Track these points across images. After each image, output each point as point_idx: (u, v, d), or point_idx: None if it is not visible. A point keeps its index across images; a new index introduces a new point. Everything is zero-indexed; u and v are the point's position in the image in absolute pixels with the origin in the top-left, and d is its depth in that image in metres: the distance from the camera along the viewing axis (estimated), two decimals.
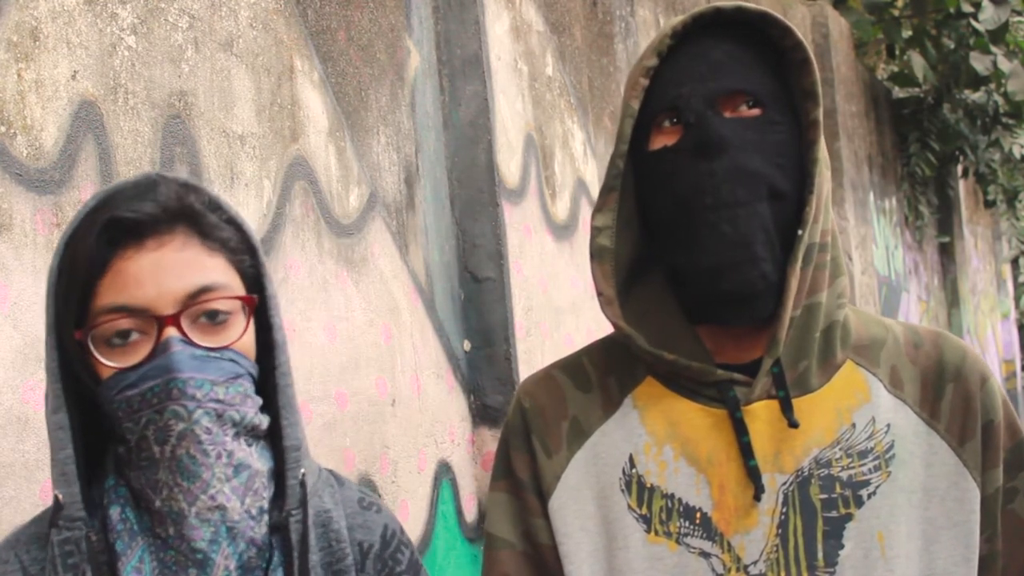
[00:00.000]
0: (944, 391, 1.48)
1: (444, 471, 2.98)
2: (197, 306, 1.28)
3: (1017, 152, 9.35)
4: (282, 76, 2.44)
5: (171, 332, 1.26)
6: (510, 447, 1.57)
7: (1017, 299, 14.27)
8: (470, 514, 3.09)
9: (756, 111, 1.44)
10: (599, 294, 1.50)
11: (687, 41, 1.47)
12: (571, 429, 1.53)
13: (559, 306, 3.62)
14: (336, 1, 2.69)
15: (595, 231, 1.50)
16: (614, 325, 1.50)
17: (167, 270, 1.28)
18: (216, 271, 1.31)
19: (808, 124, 1.46)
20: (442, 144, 3.17)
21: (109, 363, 1.27)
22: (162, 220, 1.29)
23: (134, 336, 1.27)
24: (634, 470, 1.48)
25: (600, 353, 1.58)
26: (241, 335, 1.31)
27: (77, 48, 1.90)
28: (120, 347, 1.27)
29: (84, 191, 1.89)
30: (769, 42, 1.48)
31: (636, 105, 1.46)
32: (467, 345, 3.19)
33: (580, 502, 1.50)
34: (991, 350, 12.15)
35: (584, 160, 3.95)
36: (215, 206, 1.35)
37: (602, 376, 1.55)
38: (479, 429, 3.18)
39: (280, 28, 2.45)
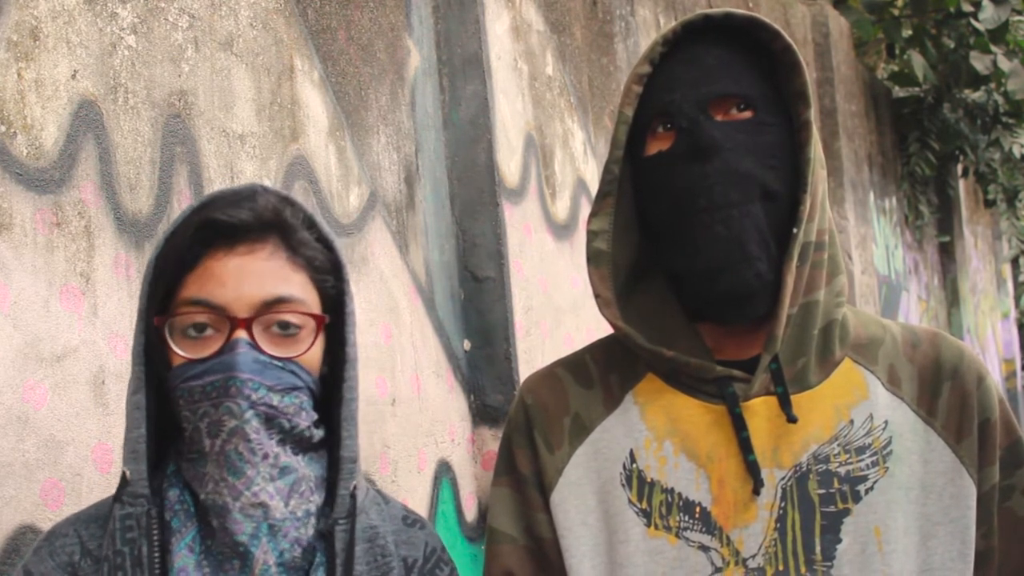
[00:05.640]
0: (941, 389, 1.49)
1: (444, 471, 2.98)
2: (271, 315, 1.35)
3: (1017, 151, 9.32)
4: (282, 76, 2.44)
5: (241, 334, 1.33)
6: (512, 443, 1.58)
7: (1017, 299, 14.24)
8: (470, 513, 3.09)
9: (747, 114, 1.47)
10: (597, 296, 1.51)
11: (679, 48, 1.50)
12: (573, 425, 1.54)
13: (559, 306, 3.62)
14: (336, 0, 2.69)
15: (591, 235, 1.52)
16: (612, 325, 1.51)
17: (250, 276, 1.35)
18: (296, 286, 1.37)
19: (800, 125, 1.48)
20: (442, 144, 3.17)
21: (181, 352, 1.34)
22: (254, 228, 1.36)
23: (208, 331, 1.34)
24: (635, 465, 1.49)
25: (602, 351, 1.60)
26: (307, 350, 1.37)
27: (77, 48, 1.90)
28: (194, 339, 1.34)
29: (84, 191, 1.89)
30: (759, 46, 1.51)
31: (630, 112, 1.49)
32: (467, 345, 3.19)
33: (581, 497, 1.51)
34: (991, 349, 12.13)
35: (584, 160, 3.95)
36: (309, 223, 1.41)
37: (604, 373, 1.56)
38: (479, 428, 3.17)
39: (280, 27, 2.45)
